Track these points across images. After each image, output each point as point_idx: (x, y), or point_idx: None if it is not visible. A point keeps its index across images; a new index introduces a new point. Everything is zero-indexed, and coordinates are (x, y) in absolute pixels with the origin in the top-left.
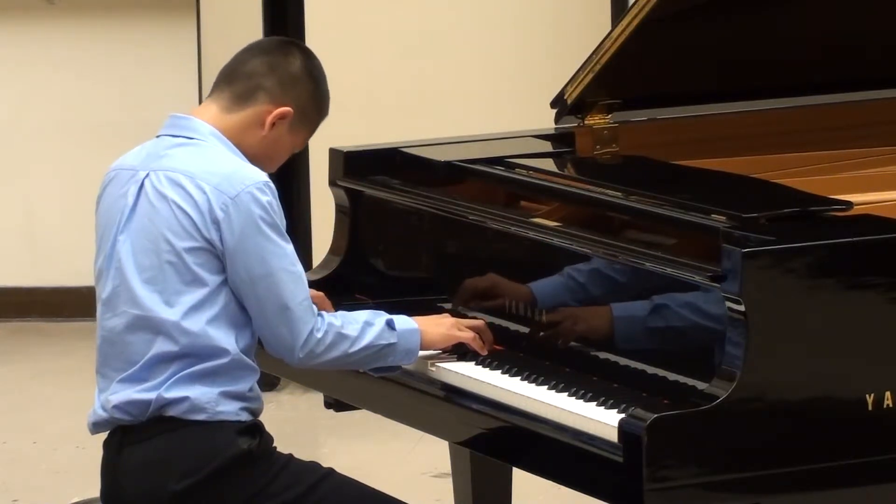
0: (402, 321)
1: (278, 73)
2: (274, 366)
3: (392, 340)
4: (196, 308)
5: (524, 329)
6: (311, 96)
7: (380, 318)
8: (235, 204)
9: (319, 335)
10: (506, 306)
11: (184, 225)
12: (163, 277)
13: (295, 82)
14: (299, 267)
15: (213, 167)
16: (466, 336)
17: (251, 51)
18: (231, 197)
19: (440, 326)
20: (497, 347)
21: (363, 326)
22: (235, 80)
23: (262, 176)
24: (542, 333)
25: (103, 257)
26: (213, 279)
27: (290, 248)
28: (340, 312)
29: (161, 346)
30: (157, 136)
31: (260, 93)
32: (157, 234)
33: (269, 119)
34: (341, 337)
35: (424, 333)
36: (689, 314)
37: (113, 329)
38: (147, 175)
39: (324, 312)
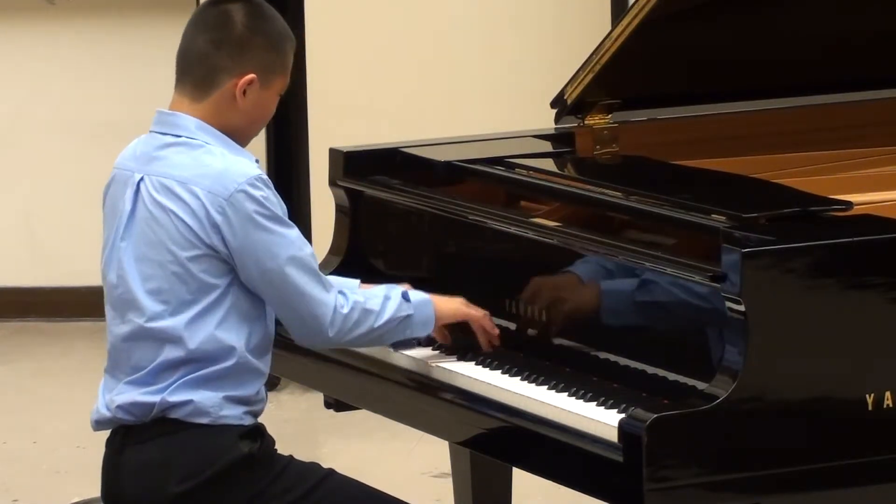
0: (414, 293)
1: (226, 47)
2: (275, 366)
3: (409, 312)
4: (204, 314)
5: (517, 325)
6: (265, 49)
7: (395, 290)
8: (231, 205)
9: (346, 311)
10: (506, 305)
11: (184, 234)
12: (170, 288)
13: (244, 47)
14: (308, 248)
15: (203, 169)
16: (477, 314)
17: (193, 28)
18: (225, 198)
19: (451, 301)
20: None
21: (384, 300)
22: (190, 68)
23: (253, 170)
24: (530, 309)
25: (105, 261)
26: (220, 282)
27: (294, 233)
28: (361, 289)
29: (168, 353)
30: (150, 133)
31: (217, 73)
32: (159, 244)
33: (238, 92)
34: (366, 312)
35: (437, 304)
36: (678, 291)
37: (120, 335)
38: (142, 179)
39: (345, 290)
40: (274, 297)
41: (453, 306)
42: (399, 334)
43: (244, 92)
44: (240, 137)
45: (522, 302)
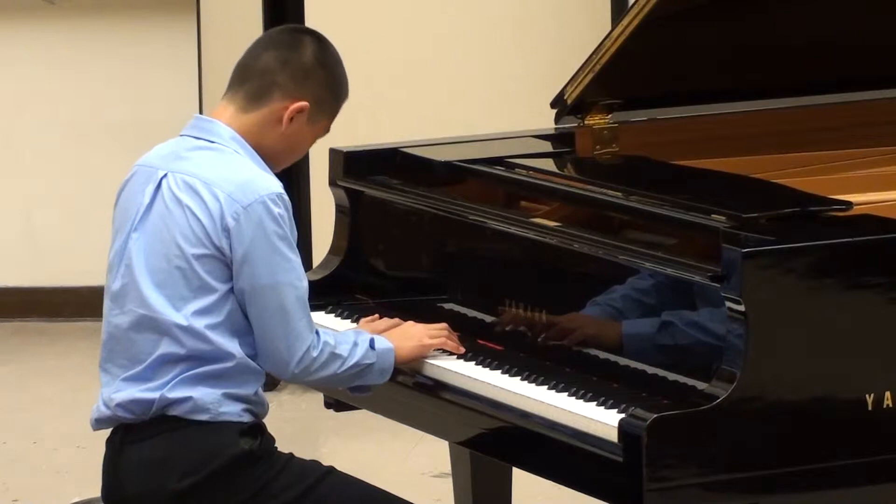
0: (379, 340)
1: (290, 68)
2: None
3: (372, 360)
4: (201, 314)
5: (526, 330)
6: (325, 86)
7: (363, 337)
8: (247, 213)
9: (315, 353)
10: (506, 305)
11: (195, 232)
12: (172, 282)
13: (308, 74)
14: (305, 283)
15: (229, 174)
16: (438, 343)
17: (262, 45)
18: (243, 206)
19: (410, 339)
20: (497, 347)
21: (352, 347)
22: (249, 78)
23: (277, 187)
24: (547, 340)
25: (115, 251)
26: (221, 287)
27: (298, 262)
28: (331, 330)
29: (167, 347)
30: (181, 136)
31: (274, 90)
32: (169, 238)
33: (287, 115)
34: (334, 357)
35: (398, 350)
36: (697, 333)
37: (119, 326)
38: (165, 175)
39: (320, 330)
40: (256, 316)
41: (413, 345)
42: (356, 380)
43: (291, 118)
44: (268, 164)
45: (522, 302)
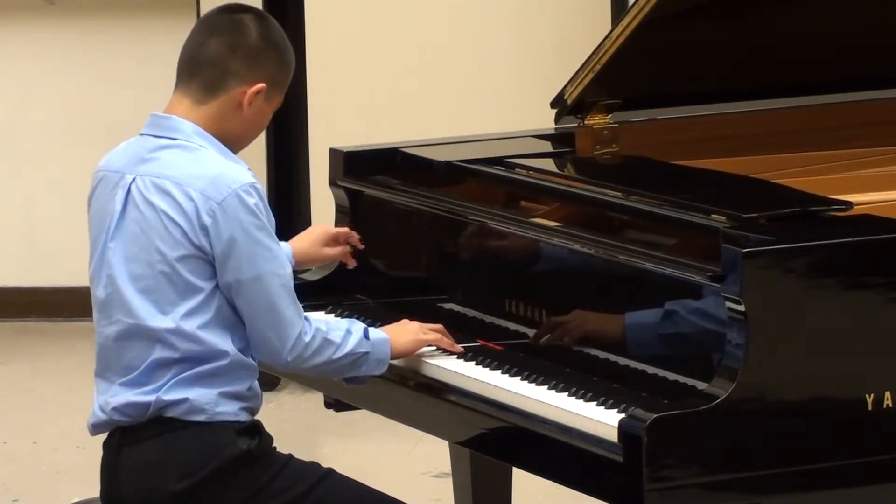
0: (374, 331)
1: (241, 53)
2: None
3: (367, 349)
4: (190, 315)
5: (529, 330)
6: (277, 62)
7: (356, 326)
8: (222, 209)
9: (307, 339)
10: (506, 305)
11: (173, 234)
12: (157, 287)
13: (259, 56)
14: (288, 269)
15: (199, 171)
16: (433, 338)
17: (204, 32)
18: (218, 202)
19: (406, 334)
20: (497, 347)
21: (345, 334)
22: (199, 70)
23: (248, 178)
24: (549, 336)
25: (94, 263)
26: (206, 285)
27: (279, 250)
28: (323, 318)
29: (160, 352)
30: (141, 135)
31: (229, 78)
32: (148, 243)
33: (247, 99)
34: (327, 342)
35: (394, 343)
36: (700, 320)
37: (109, 336)
38: (133, 180)
39: (310, 317)
40: (245, 308)
41: (409, 339)
42: (353, 370)
43: (251, 101)
44: (233, 146)
45: (522, 302)
